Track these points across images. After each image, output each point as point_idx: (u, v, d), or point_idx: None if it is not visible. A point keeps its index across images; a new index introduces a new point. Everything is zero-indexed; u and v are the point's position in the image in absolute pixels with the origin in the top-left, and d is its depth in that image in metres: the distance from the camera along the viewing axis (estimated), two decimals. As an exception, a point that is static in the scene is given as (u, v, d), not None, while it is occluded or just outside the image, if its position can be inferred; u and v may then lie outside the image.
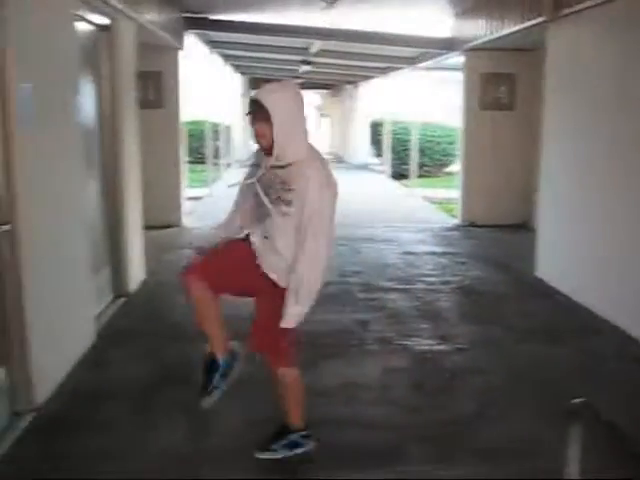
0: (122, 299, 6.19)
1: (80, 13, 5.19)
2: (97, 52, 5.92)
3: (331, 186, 3.14)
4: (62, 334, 4.43)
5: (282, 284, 3.19)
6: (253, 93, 3.19)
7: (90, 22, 5.64)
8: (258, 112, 2.99)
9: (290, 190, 3.04)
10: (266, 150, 3.08)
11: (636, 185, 5.29)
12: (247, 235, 3.33)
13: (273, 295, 3.22)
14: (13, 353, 3.81)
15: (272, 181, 3.11)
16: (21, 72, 3.75)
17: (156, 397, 4.18)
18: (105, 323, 5.52)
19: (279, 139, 2.99)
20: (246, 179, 3.36)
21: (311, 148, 3.17)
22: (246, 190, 3.35)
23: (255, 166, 3.28)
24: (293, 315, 3.14)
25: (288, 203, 3.06)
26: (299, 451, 3.45)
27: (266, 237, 3.20)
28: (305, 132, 3.13)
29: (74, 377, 4.43)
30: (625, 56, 5.48)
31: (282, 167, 3.08)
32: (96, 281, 5.41)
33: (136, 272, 6.67)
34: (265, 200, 3.12)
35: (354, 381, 4.45)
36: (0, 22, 3.56)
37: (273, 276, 3.22)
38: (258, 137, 3.07)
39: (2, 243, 3.67)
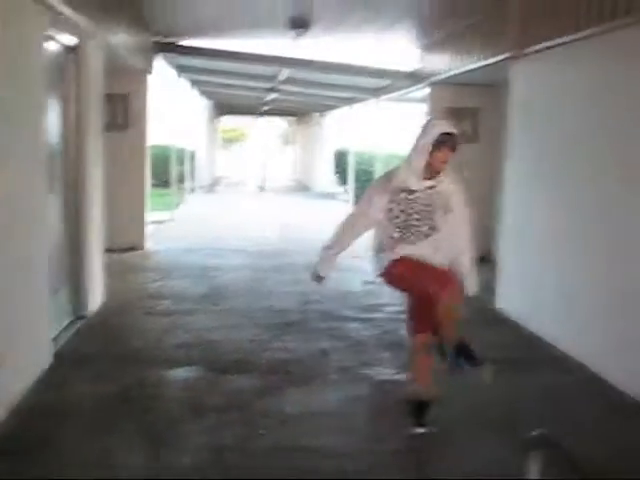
0: (81, 321, 6.10)
1: (49, 33, 5.17)
2: (64, 73, 5.89)
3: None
4: (18, 355, 4.34)
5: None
6: (441, 126, 3.89)
7: (59, 42, 5.62)
8: (452, 142, 3.82)
9: (446, 202, 3.97)
10: (433, 175, 3.88)
11: (601, 218, 5.40)
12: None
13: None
14: (-32, 374, 3.72)
15: (433, 198, 3.93)
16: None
17: (111, 419, 4.12)
18: (63, 345, 5.42)
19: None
20: (393, 202, 3.93)
21: None
22: (384, 211, 3.95)
23: (405, 191, 3.90)
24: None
25: (449, 211, 3.98)
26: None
27: (436, 247, 3.99)
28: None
29: (30, 398, 4.34)
30: (588, 93, 5.63)
31: (434, 187, 3.92)
32: (55, 302, 5.32)
33: (96, 294, 6.58)
34: (436, 216, 3.95)
35: (316, 410, 4.43)
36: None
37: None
38: (443, 163, 3.85)
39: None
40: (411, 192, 3.90)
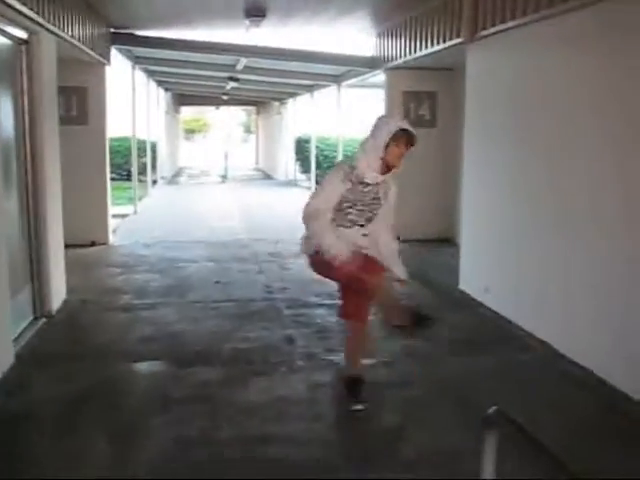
0: (42, 319, 6.03)
1: (-3, 26, 5.07)
2: (15, 66, 5.78)
3: None
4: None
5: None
6: (398, 122, 4.00)
7: (8, 35, 5.51)
8: (410, 140, 3.93)
9: (386, 195, 4.09)
10: (386, 170, 3.98)
11: (553, 200, 5.50)
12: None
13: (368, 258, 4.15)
14: None
15: (381, 194, 4.06)
16: None
17: (77, 419, 4.08)
18: (24, 344, 5.35)
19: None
20: (348, 191, 3.99)
21: None
22: (338, 197, 4.00)
23: (362, 183, 3.99)
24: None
25: (381, 204, 4.08)
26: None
27: (365, 235, 4.09)
28: None
29: (-10, 401, 4.29)
30: (541, 74, 5.71)
31: (385, 182, 4.05)
32: (15, 301, 5.25)
33: (58, 291, 6.50)
34: (380, 206, 4.06)
35: (282, 397, 4.45)
36: None
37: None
38: (398, 159, 3.95)
39: None
40: (366, 185, 3.99)
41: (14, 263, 5.30)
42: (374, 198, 4.05)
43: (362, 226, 4.08)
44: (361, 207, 4.02)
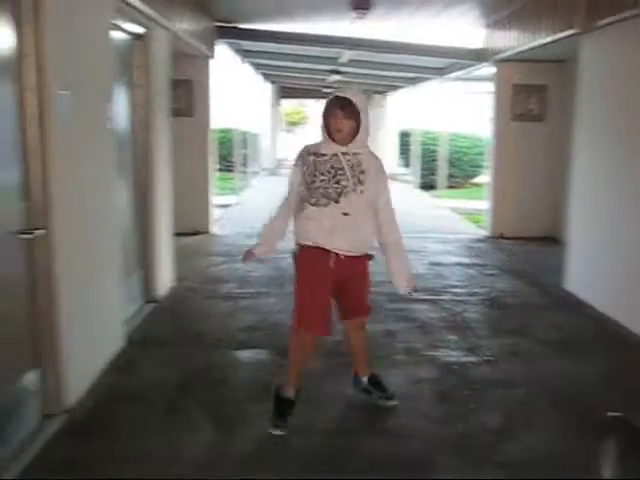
0: (151, 305, 6.25)
1: (116, 22, 5.26)
2: (131, 60, 6.00)
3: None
4: (92, 338, 4.48)
5: (361, 252, 3.88)
6: (335, 92, 3.78)
7: (125, 31, 5.72)
8: (347, 109, 3.66)
9: (363, 172, 3.73)
10: (337, 141, 3.72)
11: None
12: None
13: (355, 267, 3.91)
14: (45, 356, 3.86)
15: (345, 164, 3.72)
16: (59, 80, 3.81)
17: (181, 402, 4.21)
18: (134, 328, 5.56)
19: (361, 133, 3.71)
20: (304, 165, 3.83)
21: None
22: (301, 178, 3.84)
23: (313, 154, 3.81)
24: (409, 275, 4.01)
25: (363, 182, 3.72)
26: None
27: (346, 214, 3.71)
28: (369, 131, 3.79)
29: (103, 380, 4.48)
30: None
31: (350, 154, 3.74)
32: (126, 286, 5.46)
33: (165, 278, 6.72)
34: (348, 178, 3.71)
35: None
36: (39, 32, 3.63)
37: (349, 250, 3.80)
38: (337, 130, 3.70)
39: (37, 247, 3.73)
40: (320, 155, 3.78)
41: (126, 249, 5.51)
42: (333, 167, 3.71)
43: (337, 202, 3.69)
44: (322, 177, 3.72)
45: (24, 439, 3.60)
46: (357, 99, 3.67)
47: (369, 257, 3.96)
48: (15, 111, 3.57)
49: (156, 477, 3.35)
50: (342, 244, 3.76)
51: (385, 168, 3.90)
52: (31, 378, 3.78)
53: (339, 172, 3.71)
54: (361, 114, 3.68)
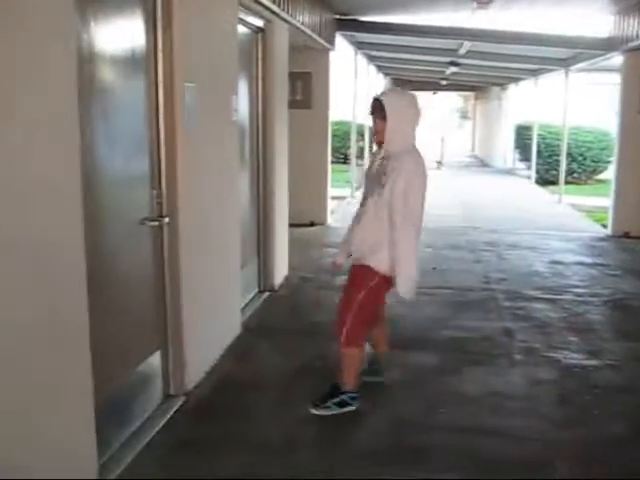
0: (266, 293, 6.36)
1: (240, 16, 5.36)
2: (252, 53, 6.11)
3: (419, 175, 3.66)
4: (212, 323, 4.61)
5: (364, 258, 3.77)
6: (376, 94, 3.77)
7: (247, 24, 5.82)
8: (377, 110, 3.64)
9: (385, 174, 3.62)
10: (380, 143, 3.72)
11: None
12: None
13: (352, 273, 3.94)
14: (169, 338, 4.00)
15: (379, 169, 3.69)
16: (187, 72, 3.93)
17: (295, 390, 4.25)
18: (250, 316, 5.68)
19: (389, 133, 3.62)
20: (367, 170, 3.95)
21: (413, 147, 3.74)
22: (368, 184, 3.88)
23: (373, 156, 3.95)
24: (410, 280, 3.68)
25: (383, 185, 3.61)
26: (347, 409, 3.89)
27: (363, 215, 3.79)
28: (410, 134, 3.71)
29: (221, 366, 4.60)
30: None
31: (385, 157, 3.69)
32: (244, 274, 5.57)
33: (280, 268, 6.82)
34: (374, 181, 3.70)
35: (499, 390, 4.32)
36: (167, 26, 3.75)
37: (354, 250, 3.85)
38: (375, 132, 3.72)
39: (164, 234, 3.87)
40: (374, 157, 3.90)
41: (245, 238, 5.63)
42: (377, 173, 3.71)
43: (362, 205, 3.84)
44: (369, 183, 3.81)
45: (147, 418, 3.75)
46: (388, 99, 3.64)
47: (373, 272, 3.76)
48: (145, 103, 3.71)
49: (269, 464, 3.41)
50: (352, 243, 3.89)
51: (420, 169, 3.68)
52: (155, 360, 3.92)
53: (378, 177, 3.70)
54: (389, 113, 3.59)
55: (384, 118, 3.60)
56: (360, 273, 3.82)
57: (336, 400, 3.91)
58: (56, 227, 2.61)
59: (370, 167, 3.86)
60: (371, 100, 3.73)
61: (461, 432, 3.77)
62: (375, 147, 3.89)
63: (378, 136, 3.70)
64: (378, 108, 3.64)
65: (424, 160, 3.77)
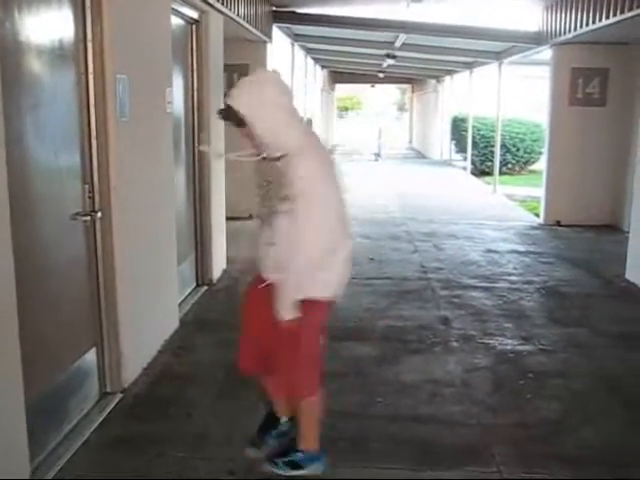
0: (204, 287, 6.30)
1: (173, 7, 5.28)
2: (186, 45, 6.02)
3: (321, 175, 2.88)
4: (149, 319, 4.54)
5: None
6: (227, 94, 2.86)
7: (181, 15, 5.74)
8: (233, 118, 2.79)
9: (287, 184, 2.78)
10: (256, 150, 2.90)
11: None
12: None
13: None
14: (104, 335, 3.93)
15: (270, 174, 2.87)
16: (118, 63, 3.84)
17: (234, 384, 4.22)
18: (188, 310, 5.62)
19: (263, 139, 2.81)
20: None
21: (307, 134, 2.97)
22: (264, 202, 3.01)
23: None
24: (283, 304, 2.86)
25: (288, 198, 2.77)
26: (298, 473, 3.18)
27: (271, 243, 2.92)
28: (291, 126, 2.84)
29: (159, 361, 4.54)
30: None
31: (278, 159, 2.84)
32: (180, 269, 5.51)
33: (218, 261, 6.77)
34: (273, 197, 2.86)
35: (436, 378, 4.39)
36: (97, 17, 3.66)
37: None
38: (246, 138, 2.89)
39: (96, 229, 3.79)
40: (261, 167, 2.96)
41: (181, 233, 5.56)
42: (266, 179, 2.92)
43: (264, 224, 2.98)
44: (257, 187, 2.99)
45: (83, 416, 3.68)
46: (240, 100, 2.76)
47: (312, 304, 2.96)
48: (76, 94, 3.62)
49: (208, 457, 3.38)
50: (268, 270, 3.06)
51: (319, 166, 2.91)
52: (91, 357, 3.85)
53: (267, 184, 2.96)
54: (250, 117, 2.76)
55: (244, 124, 2.79)
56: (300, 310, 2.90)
57: (287, 459, 3.22)
58: (-19, 223, 2.53)
59: (262, 182, 2.96)
60: (221, 107, 2.89)
61: (399, 420, 3.81)
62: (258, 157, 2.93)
63: (253, 145, 2.89)
64: (233, 115, 2.79)
65: (324, 147, 3.15)
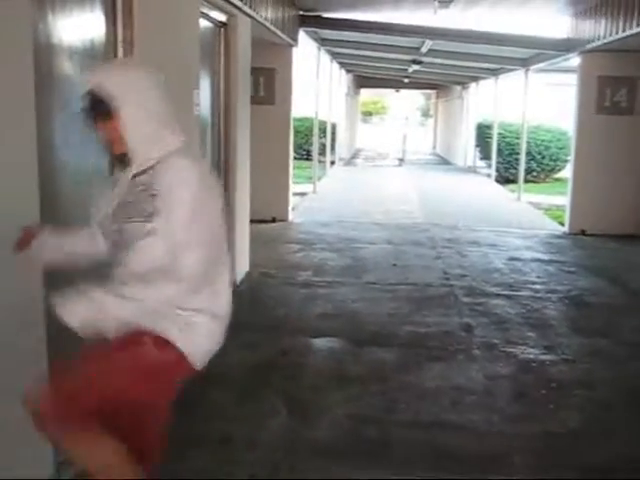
0: (227, 289, 6.32)
1: (202, 10, 5.32)
2: (214, 48, 6.07)
3: (193, 173, 2.21)
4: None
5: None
6: (86, 79, 2.27)
7: (209, 18, 5.78)
8: (96, 108, 2.17)
9: (153, 195, 2.17)
10: (121, 157, 2.25)
11: None
12: None
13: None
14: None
15: (136, 195, 2.22)
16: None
17: (258, 386, 4.24)
18: (211, 312, 5.63)
19: (131, 135, 2.19)
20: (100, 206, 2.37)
21: (178, 144, 2.29)
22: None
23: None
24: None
25: (150, 215, 2.17)
26: None
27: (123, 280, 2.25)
28: (171, 121, 2.32)
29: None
30: None
31: (144, 172, 2.23)
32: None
33: (241, 264, 6.80)
34: (129, 230, 2.23)
35: (458, 385, 4.37)
36: (128, 18, 3.70)
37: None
38: (108, 142, 2.25)
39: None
40: (120, 180, 2.29)
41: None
42: (122, 204, 2.26)
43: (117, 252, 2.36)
44: (111, 226, 2.34)
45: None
46: (114, 80, 2.20)
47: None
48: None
49: (230, 461, 3.39)
50: None
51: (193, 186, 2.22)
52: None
53: (121, 211, 2.29)
54: (123, 103, 2.15)
55: (112, 115, 2.15)
56: None
57: None
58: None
59: (118, 196, 2.26)
60: (84, 95, 2.20)
61: (421, 427, 3.80)
62: (115, 165, 2.38)
63: (115, 145, 2.22)
64: (97, 102, 2.16)
65: (201, 164, 2.39)
